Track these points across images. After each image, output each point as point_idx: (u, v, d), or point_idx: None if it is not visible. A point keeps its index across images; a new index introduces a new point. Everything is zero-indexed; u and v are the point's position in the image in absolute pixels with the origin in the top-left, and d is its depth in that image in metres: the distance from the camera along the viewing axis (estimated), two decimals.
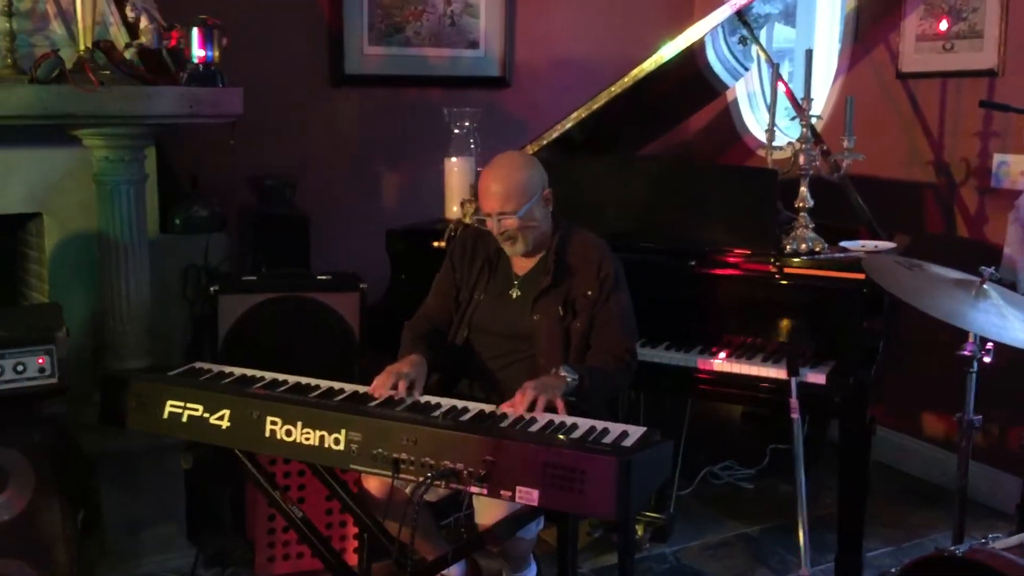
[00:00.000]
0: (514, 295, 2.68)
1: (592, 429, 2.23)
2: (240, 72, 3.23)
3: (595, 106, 3.43)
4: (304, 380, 2.56)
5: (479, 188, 2.64)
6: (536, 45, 4.50)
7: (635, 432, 2.20)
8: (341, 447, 2.26)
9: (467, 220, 3.31)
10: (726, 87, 3.94)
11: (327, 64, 4.15)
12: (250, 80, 3.23)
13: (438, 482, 2.13)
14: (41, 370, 2.48)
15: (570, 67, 4.51)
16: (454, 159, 3.51)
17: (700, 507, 3.58)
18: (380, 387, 2.46)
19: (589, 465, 2.01)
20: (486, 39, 4.40)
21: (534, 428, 2.25)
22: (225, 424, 2.38)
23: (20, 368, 2.46)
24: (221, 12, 3.22)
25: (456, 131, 3.53)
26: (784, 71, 3.60)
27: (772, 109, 3.25)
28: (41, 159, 3.08)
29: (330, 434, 2.27)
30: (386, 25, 4.21)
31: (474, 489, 2.11)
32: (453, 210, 3.47)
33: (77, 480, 2.62)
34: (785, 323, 2.95)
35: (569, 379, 2.43)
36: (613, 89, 3.39)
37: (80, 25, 2.97)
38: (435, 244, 3.32)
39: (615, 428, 2.23)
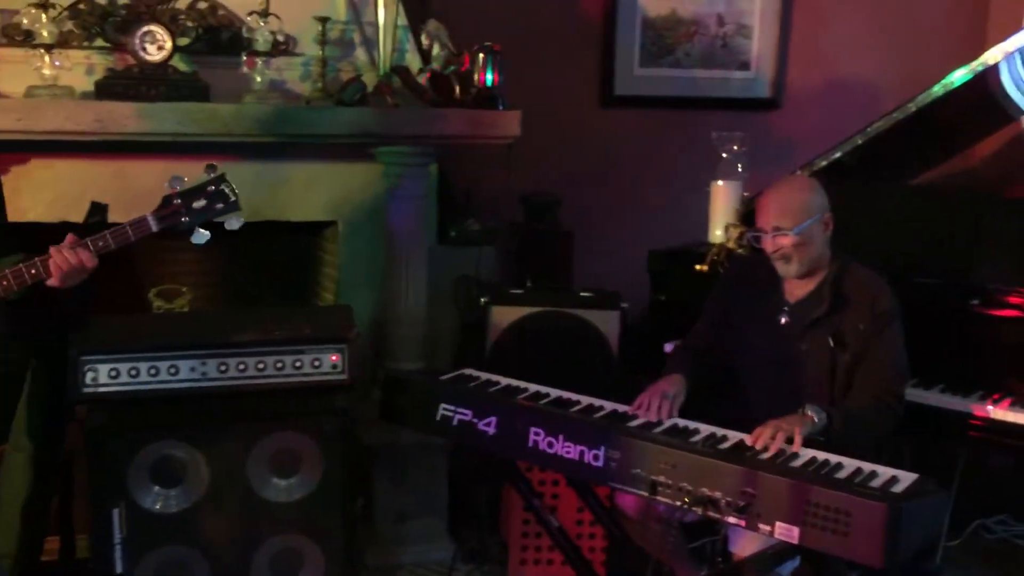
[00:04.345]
0: (782, 320, 2.65)
1: (859, 471, 2.16)
2: (515, 92, 3.39)
3: (874, 131, 3.31)
4: (566, 394, 2.66)
5: (757, 203, 2.66)
6: (811, 66, 4.38)
7: (906, 478, 2.11)
8: (600, 463, 2.33)
9: (731, 245, 3.29)
10: (1022, 113, 3.66)
11: (597, 85, 4.27)
12: (524, 100, 3.39)
13: (695, 508, 2.15)
14: (334, 366, 2.72)
15: (846, 89, 4.36)
16: (720, 182, 3.49)
17: (970, 561, 3.34)
18: (641, 407, 2.51)
19: (856, 508, 1.96)
20: (758, 60, 4.34)
21: (797, 464, 2.21)
22: (492, 431, 2.52)
23: (316, 363, 2.71)
24: (502, 36, 3.40)
25: (724, 154, 3.52)
26: None
27: None
28: (339, 172, 3.37)
29: (590, 450, 2.35)
30: (657, 47, 4.27)
31: (732, 519, 2.12)
32: (716, 234, 3.46)
33: (357, 469, 2.85)
34: None
35: (816, 419, 2.36)
36: (895, 114, 3.25)
37: (381, 52, 3.25)
38: (697, 267, 3.31)
39: (884, 472, 2.15)
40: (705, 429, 2.43)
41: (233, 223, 2.28)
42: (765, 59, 4.34)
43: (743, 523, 2.10)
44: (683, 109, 4.30)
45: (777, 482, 2.07)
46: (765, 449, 2.28)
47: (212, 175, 2.24)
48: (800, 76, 4.39)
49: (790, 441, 2.27)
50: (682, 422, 2.48)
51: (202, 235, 2.24)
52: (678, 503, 2.19)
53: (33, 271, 2.13)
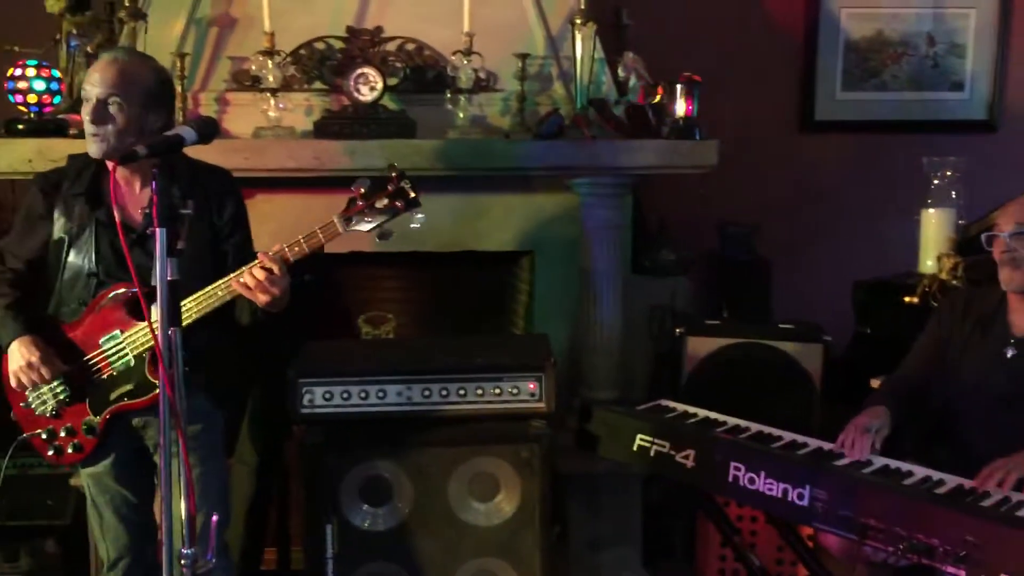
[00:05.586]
0: (1009, 354, 2.48)
1: None
2: (712, 119, 3.36)
3: None
4: (766, 429, 2.60)
5: (1003, 208, 2.54)
6: None
7: None
8: (805, 503, 2.26)
9: (944, 276, 3.12)
10: None
11: (797, 111, 4.17)
12: (721, 126, 3.35)
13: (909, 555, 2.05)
14: (532, 394, 2.76)
15: None
16: (932, 210, 3.32)
17: None
18: (847, 446, 2.41)
19: None
20: (972, 80, 4.12)
21: None
22: (690, 464, 2.50)
23: (514, 391, 2.76)
24: (699, 64, 3.38)
25: (936, 181, 3.35)
26: None
27: None
28: (534, 203, 3.43)
29: (794, 488, 2.28)
30: (861, 70, 4.12)
31: (951, 569, 2.01)
32: (928, 264, 3.29)
33: (554, 496, 2.88)
34: None
35: None
36: None
37: (578, 85, 3.30)
38: (906, 299, 3.17)
39: None
40: (919, 471, 2.31)
41: (415, 221, 2.36)
42: (980, 79, 4.11)
43: (963, 573, 1.98)
44: (889, 133, 4.13)
45: (1005, 532, 1.94)
46: (988, 495, 2.15)
47: (392, 174, 2.33)
48: (1020, 96, 4.13)
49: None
50: (894, 463, 2.37)
51: (388, 233, 2.33)
52: (890, 548, 2.09)
53: (226, 287, 2.26)
